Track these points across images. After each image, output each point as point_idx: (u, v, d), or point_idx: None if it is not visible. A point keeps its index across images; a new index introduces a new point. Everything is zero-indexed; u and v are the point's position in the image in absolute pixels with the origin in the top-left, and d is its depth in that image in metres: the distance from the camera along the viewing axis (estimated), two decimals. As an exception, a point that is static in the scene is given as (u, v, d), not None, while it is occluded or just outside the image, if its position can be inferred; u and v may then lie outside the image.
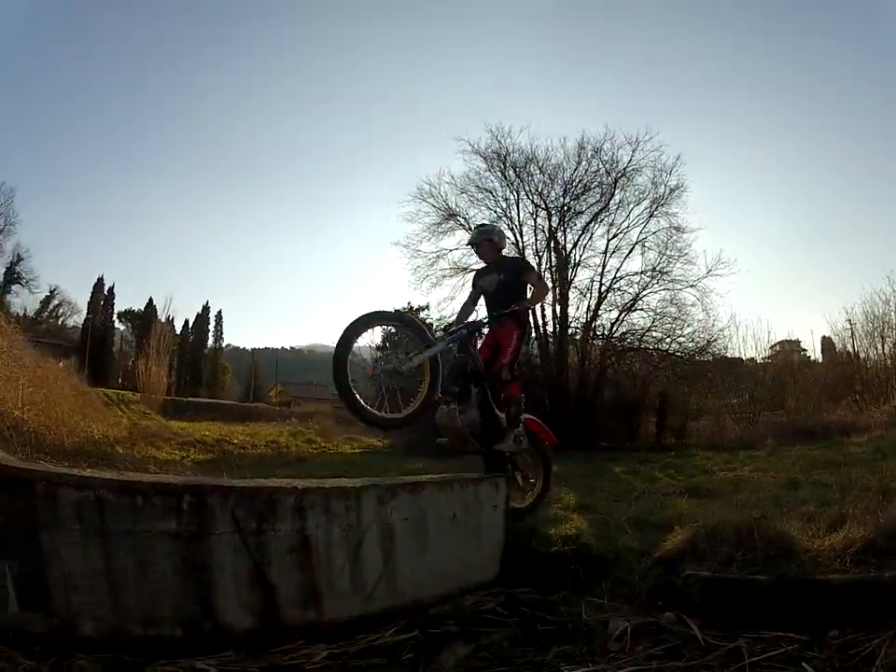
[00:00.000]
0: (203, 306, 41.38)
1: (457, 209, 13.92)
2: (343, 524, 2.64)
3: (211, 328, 41.32)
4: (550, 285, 4.07)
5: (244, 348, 48.26)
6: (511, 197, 13.58)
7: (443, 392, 3.37)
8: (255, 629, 2.56)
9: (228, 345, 45.04)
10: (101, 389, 14.18)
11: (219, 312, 41.55)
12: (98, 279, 37.33)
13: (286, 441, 8.03)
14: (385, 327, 3.41)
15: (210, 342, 41.80)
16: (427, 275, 13.90)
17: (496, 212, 13.62)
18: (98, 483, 2.46)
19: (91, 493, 2.43)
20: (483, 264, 4.03)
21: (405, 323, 3.40)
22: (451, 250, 13.84)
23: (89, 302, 36.14)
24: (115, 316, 37.87)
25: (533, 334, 4.06)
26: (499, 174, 13.63)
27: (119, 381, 27.20)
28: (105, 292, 37.27)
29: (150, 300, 37.04)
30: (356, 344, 3.15)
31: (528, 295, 3.78)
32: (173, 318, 36.09)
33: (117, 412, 11.41)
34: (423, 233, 14.00)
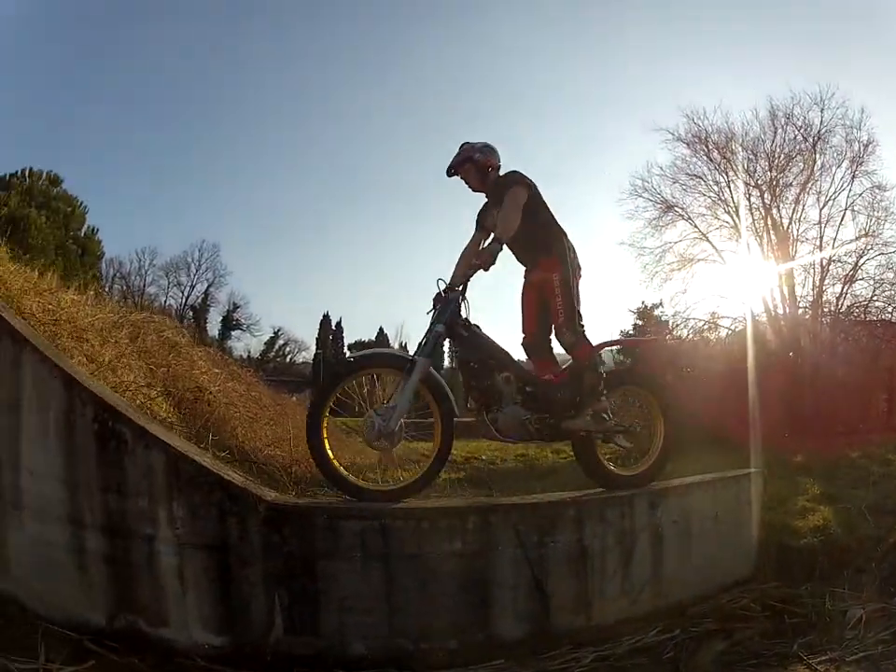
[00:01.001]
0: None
1: (674, 200, 13.29)
2: (616, 531, 2.57)
3: (445, 348, 40.71)
4: (517, 206, 2.72)
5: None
6: (721, 179, 12.85)
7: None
8: (526, 637, 2.53)
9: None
10: (339, 419, 13.54)
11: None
12: (324, 315, 38.06)
13: (534, 453, 7.65)
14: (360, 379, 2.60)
15: (445, 362, 41.28)
16: (657, 272, 13.37)
17: (709, 197, 12.97)
18: (383, 513, 2.36)
19: (377, 522, 2.35)
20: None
21: (372, 364, 2.68)
22: (675, 242, 13.27)
23: (317, 338, 37.08)
24: (345, 348, 37.90)
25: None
26: (704, 157, 12.95)
27: (357, 409, 27.28)
28: (333, 327, 38.15)
29: (380, 328, 36.87)
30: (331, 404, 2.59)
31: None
32: (406, 344, 34.28)
33: (357, 439, 10.77)
34: (645, 229, 13.43)
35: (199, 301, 32.72)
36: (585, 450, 2.81)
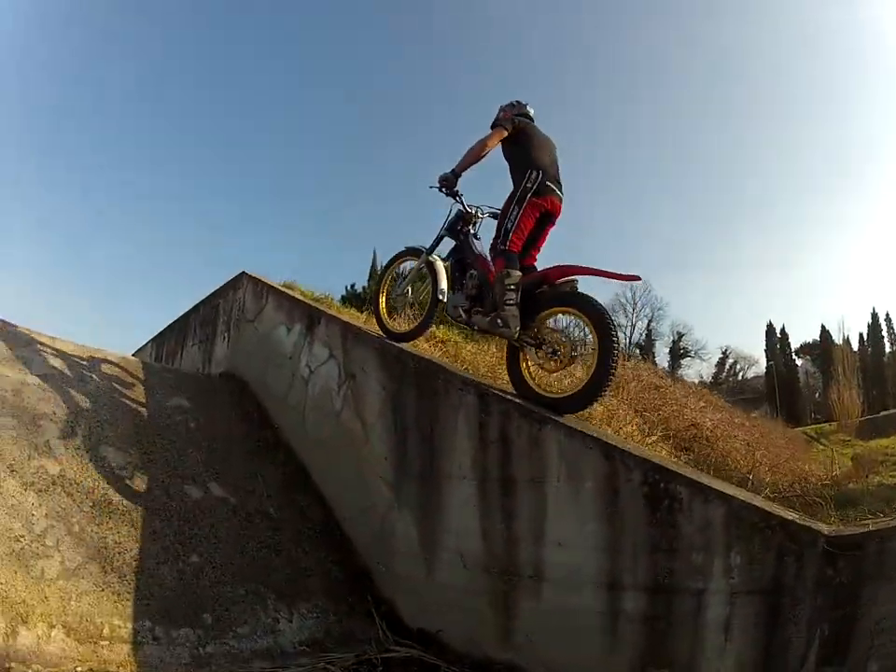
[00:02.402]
0: (871, 314, 38.49)
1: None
2: None
3: (884, 333, 38.39)
4: (480, 145, 3.21)
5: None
6: None
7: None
8: None
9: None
10: (799, 429, 13.15)
11: (887, 314, 38.30)
12: (768, 325, 37.86)
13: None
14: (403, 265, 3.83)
15: (887, 348, 38.53)
16: None
17: None
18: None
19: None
20: None
21: (404, 255, 3.70)
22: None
23: (765, 350, 37.10)
24: (793, 355, 37.75)
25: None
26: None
27: (811, 415, 26.51)
28: (778, 335, 37.59)
29: (822, 326, 35.71)
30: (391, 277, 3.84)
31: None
32: (848, 337, 33.57)
33: (818, 447, 10.50)
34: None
35: (642, 337, 34.44)
36: (511, 359, 3.13)
